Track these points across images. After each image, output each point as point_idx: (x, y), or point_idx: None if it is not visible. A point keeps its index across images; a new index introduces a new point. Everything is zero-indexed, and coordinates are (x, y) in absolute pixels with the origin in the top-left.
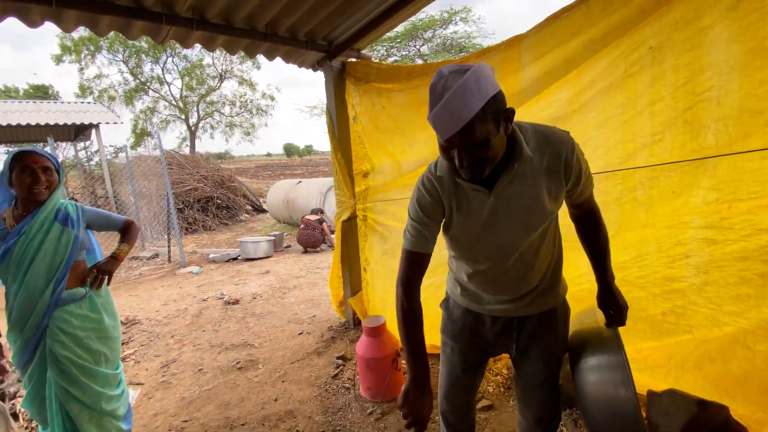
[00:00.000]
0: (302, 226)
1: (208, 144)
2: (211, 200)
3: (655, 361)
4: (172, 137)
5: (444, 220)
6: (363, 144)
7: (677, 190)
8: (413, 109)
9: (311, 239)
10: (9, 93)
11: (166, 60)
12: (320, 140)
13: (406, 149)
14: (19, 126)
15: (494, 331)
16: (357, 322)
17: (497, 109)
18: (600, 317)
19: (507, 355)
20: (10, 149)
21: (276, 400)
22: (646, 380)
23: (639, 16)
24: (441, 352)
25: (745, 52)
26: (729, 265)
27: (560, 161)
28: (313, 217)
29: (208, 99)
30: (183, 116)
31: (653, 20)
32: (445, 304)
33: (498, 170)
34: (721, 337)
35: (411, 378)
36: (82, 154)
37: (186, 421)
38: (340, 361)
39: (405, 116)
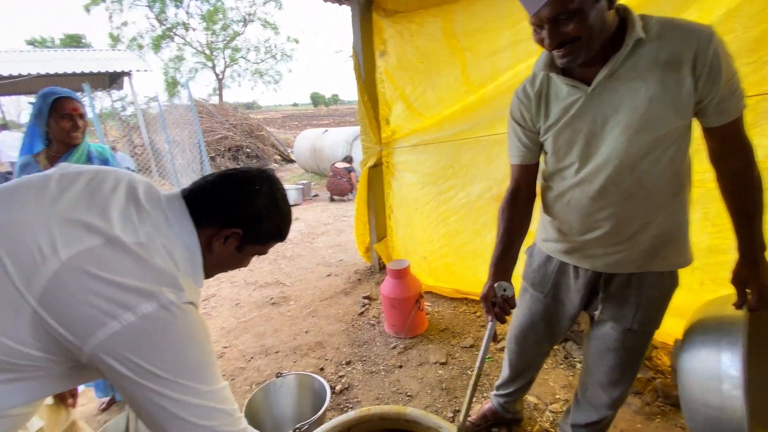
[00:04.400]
0: (331, 174)
1: (236, 94)
2: (241, 149)
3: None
4: (201, 86)
5: (538, 126)
6: (384, 83)
7: None
8: (444, 40)
9: (339, 187)
10: (45, 43)
11: (189, 3)
12: (346, 89)
13: (426, 90)
14: (56, 75)
15: (577, 286)
16: (382, 267)
17: None
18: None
19: None
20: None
21: (307, 332)
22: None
23: None
24: (519, 295)
25: None
26: None
27: (689, 52)
28: (342, 165)
29: (232, 45)
30: (210, 64)
31: None
32: (530, 250)
33: (602, 62)
34: None
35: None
36: (117, 104)
37: (226, 347)
38: (365, 301)
39: (432, 48)
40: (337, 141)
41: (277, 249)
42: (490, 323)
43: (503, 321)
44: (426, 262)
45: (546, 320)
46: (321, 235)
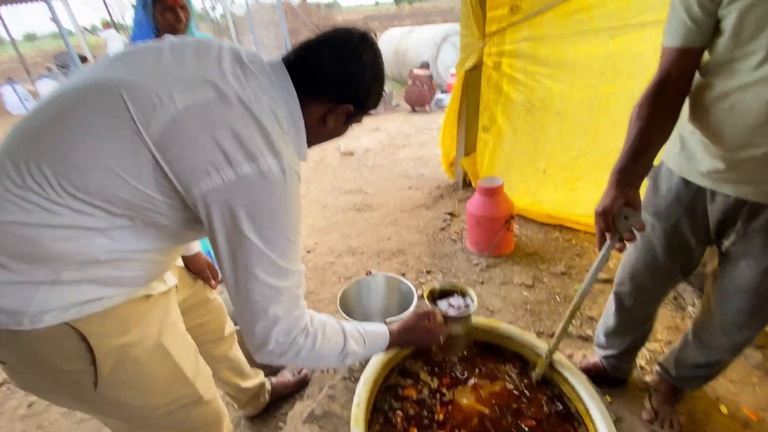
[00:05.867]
0: (410, 82)
1: None
2: None
3: None
4: None
5: None
6: None
7: None
8: None
9: (421, 96)
10: None
11: None
12: None
13: None
14: None
15: (712, 211)
16: (466, 184)
17: None
18: None
19: None
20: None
21: (389, 239)
22: None
23: None
24: None
25: None
26: None
27: None
28: (422, 72)
29: None
30: None
31: None
32: (654, 173)
33: None
34: None
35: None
36: (207, 3)
37: (317, 243)
38: (447, 216)
39: None
40: (424, 42)
41: (359, 158)
42: (608, 242)
43: (622, 250)
44: (545, 175)
45: (669, 253)
46: (402, 147)
